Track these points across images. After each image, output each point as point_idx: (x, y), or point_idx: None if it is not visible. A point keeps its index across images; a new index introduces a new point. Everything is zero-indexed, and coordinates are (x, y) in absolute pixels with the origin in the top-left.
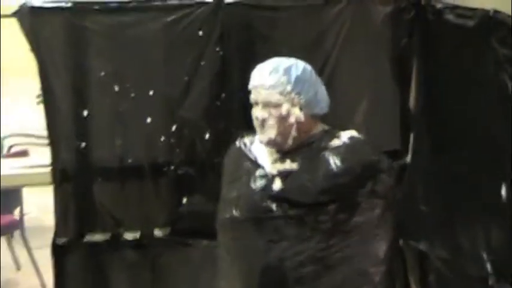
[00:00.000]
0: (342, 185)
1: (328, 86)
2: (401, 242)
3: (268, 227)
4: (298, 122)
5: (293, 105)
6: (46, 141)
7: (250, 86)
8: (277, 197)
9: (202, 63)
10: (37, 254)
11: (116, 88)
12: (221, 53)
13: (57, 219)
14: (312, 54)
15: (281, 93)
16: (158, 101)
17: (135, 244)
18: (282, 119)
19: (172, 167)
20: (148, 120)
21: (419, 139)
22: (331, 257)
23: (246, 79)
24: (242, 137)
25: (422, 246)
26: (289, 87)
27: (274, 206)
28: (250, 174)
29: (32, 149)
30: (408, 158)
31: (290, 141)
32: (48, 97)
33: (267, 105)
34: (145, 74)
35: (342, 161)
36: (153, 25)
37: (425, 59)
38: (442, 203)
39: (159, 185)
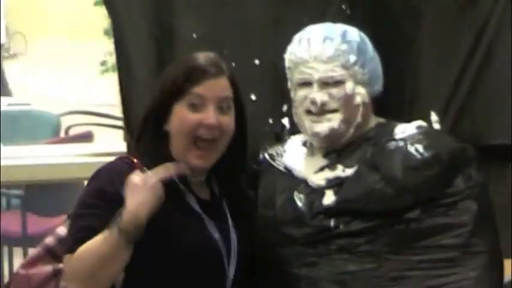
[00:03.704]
0: (428, 179)
1: (486, 61)
2: None
3: (331, 249)
4: (363, 104)
5: (356, 82)
6: (115, 121)
7: (296, 60)
8: (334, 210)
9: None
10: None
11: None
12: (348, 11)
13: None
14: (465, 16)
15: (344, 67)
16: (266, 73)
17: None
18: (347, 101)
19: None
20: (253, 97)
21: None
22: (411, 279)
23: (378, 46)
24: (265, 149)
25: None
26: (352, 58)
27: (332, 222)
28: (288, 192)
29: (96, 131)
30: None
31: (352, 130)
32: (123, 65)
33: (325, 84)
34: (249, 37)
35: (426, 147)
36: None
37: None
38: None
39: None
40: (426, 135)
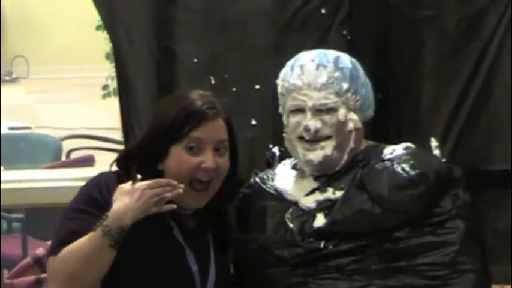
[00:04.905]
0: (414, 198)
1: (486, 87)
2: None
3: (321, 268)
4: (356, 130)
5: (348, 108)
6: (116, 145)
7: (288, 86)
8: (325, 233)
9: None
10: None
11: (212, 80)
12: (348, 37)
13: None
14: (465, 42)
15: (337, 94)
16: (266, 98)
17: None
18: (339, 128)
19: None
20: (253, 122)
21: None
22: None
23: (379, 71)
24: (256, 174)
25: None
26: (345, 85)
27: (321, 244)
28: (279, 215)
29: (97, 156)
30: None
31: (345, 157)
32: (124, 89)
33: (318, 111)
34: (250, 62)
35: (412, 167)
36: (261, 0)
37: None
38: None
39: None
40: (413, 155)
